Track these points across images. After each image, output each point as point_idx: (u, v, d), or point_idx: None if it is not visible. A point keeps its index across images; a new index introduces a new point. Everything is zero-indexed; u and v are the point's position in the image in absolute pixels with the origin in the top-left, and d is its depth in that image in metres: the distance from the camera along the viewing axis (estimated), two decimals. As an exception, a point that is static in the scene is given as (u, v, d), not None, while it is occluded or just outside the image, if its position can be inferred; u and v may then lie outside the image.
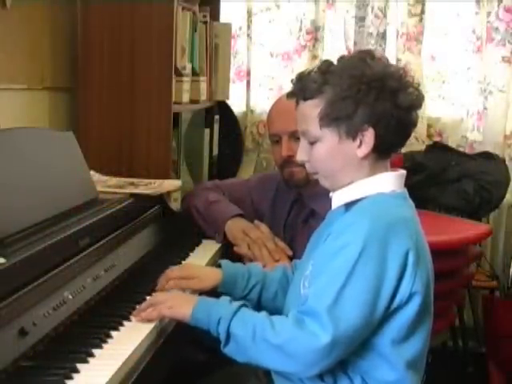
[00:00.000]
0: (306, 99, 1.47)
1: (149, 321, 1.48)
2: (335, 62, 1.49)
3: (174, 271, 1.70)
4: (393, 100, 1.43)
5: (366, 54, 1.48)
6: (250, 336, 1.39)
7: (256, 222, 2.09)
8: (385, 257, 1.37)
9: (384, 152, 1.48)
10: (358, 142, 1.45)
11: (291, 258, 1.95)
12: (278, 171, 2.12)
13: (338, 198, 1.52)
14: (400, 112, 1.44)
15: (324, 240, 1.47)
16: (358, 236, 1.37)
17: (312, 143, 1.48)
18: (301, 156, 1.53)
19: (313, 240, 1.60)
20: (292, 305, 1.54)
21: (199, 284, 1.68)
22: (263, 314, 1.44)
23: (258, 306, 1.66)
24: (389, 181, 1.48)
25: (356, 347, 1.39)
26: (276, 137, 2.02)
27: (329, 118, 1.45)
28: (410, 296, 1.39)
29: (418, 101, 1.47)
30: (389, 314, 1.39)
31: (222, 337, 1.42)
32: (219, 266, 1.73)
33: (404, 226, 1.41)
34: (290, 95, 1.53)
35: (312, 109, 1.46)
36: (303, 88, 1.48)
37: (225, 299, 1.49)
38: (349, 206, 1.49)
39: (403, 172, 1.52)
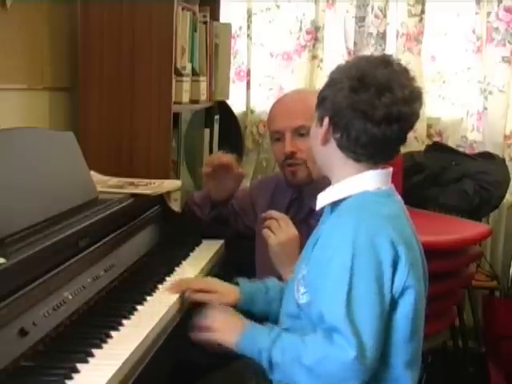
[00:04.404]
0: None
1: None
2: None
3: (195, 282, 1.71)
4: (351, 97, 1.44)
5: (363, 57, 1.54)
6: (289, 363, 1.41)
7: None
8: (376, 250, 1.37)
9: (357, 153, 1.47)
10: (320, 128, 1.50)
11: None
12: (276, 173, 2.12)
13: (322, 198, 1.54)
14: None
15: (314, 244, 1.49)
16: (345, 239, 1.38)
17: None
18: None
19: (309, 242, 1.61)
20: (287, 309, 1.55)
21: (220, 299, 1.69)
22: (296, 336, 1.45)
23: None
24: (373, 179, 1.49)
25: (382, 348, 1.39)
26: (277, 134, 2.01)
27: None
28: (404, 289, 1.39)
29: (370, 107, 1.44)
30: (388, 310, 1.39)
31: (266, 367, 1.46)
32: (236, 283, 1.75)
33: (387, 223, 1.41)
34: None
35: None
36: None
37: (265, 328, 1.52)
38: (334, 206, 1.51)
39: (389, 170, 1.52)
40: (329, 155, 1.51)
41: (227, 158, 2.12)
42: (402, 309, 1.40)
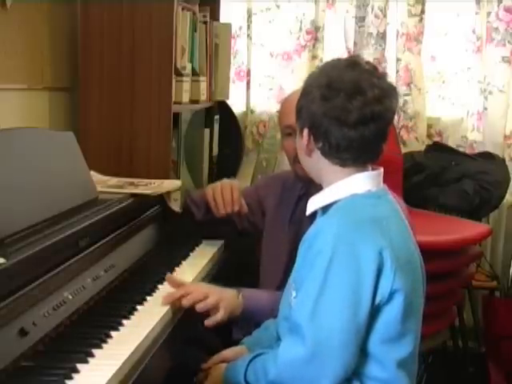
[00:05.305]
0: None
1: None
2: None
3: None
4: (324, 106, 1.44)
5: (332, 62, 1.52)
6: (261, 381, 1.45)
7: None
8: (357, 259, 1.37)
9: (342, 158, 1.47)
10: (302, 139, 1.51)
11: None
12: (282, 171, 2.12)
13: (312, 203, 1.54)
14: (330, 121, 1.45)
15: (302, 245, 1.49)
16: (326, 243, 1.38)
17: None
18: None
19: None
20: (283, 312, 1.56)
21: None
22: (271, 352, 1.48)
23: None
24: (363, 181, 1.48)
25: (357, 352, 1.39)
26: (289, 129, 1.99)
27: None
28: (392, 293, 1.39)
29: (343, 112, 1.44)
30: (372, 312, 1.39)
31: None
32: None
33: (373, 226, 1.41)
34: None
35: None
36: None
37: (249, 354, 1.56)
38: (325, 210, 1.51)
39: (380, 170, 1.52)
40: (316, 164, 1.51)
41: (237, 202, 2.05)
42: (390, 312, 1.40)
